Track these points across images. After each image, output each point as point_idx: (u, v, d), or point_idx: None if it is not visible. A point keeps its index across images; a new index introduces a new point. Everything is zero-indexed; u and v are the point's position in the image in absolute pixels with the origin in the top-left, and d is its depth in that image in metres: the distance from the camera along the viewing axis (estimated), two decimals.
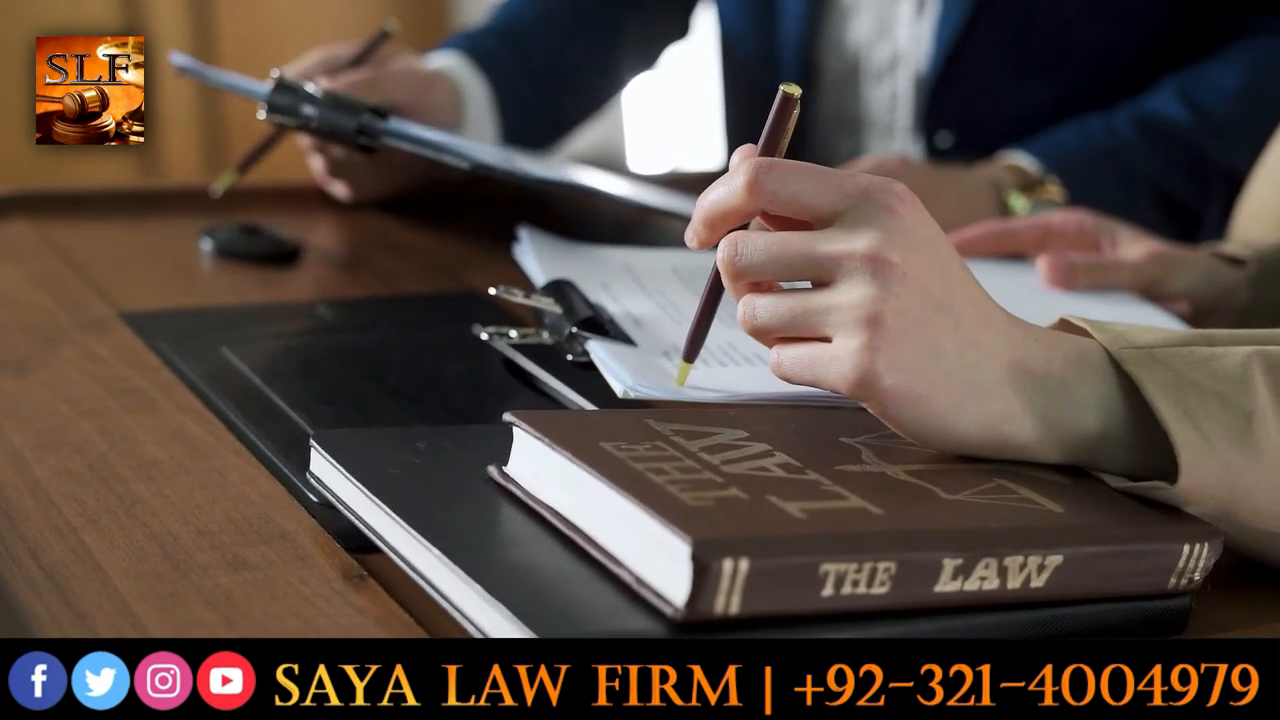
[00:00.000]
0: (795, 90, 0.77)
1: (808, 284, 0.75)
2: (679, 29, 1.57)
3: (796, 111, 0.77)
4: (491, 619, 0.63)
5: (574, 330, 0.90)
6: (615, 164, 2.21)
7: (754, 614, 0.63)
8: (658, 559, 0.63)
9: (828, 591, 0.64)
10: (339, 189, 1.31)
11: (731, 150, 0.79)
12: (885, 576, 0.65)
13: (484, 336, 0.93)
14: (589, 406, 0.87)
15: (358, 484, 0.73)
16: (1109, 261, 1.10)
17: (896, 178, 1.14)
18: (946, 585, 0.66)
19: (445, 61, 1.35)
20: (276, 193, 1.33)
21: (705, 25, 1.63)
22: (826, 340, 0.73)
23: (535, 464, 0.72)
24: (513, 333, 0.93)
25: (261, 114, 1.16)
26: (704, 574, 0.61)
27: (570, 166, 1.38)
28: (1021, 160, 1.29)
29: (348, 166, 1.28)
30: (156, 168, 2.88)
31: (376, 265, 1.21)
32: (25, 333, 1.00)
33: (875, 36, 1.47)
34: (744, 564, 0.62)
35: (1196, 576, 0.71)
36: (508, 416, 0.73)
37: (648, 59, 1.55)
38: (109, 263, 1.15)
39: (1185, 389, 0.72)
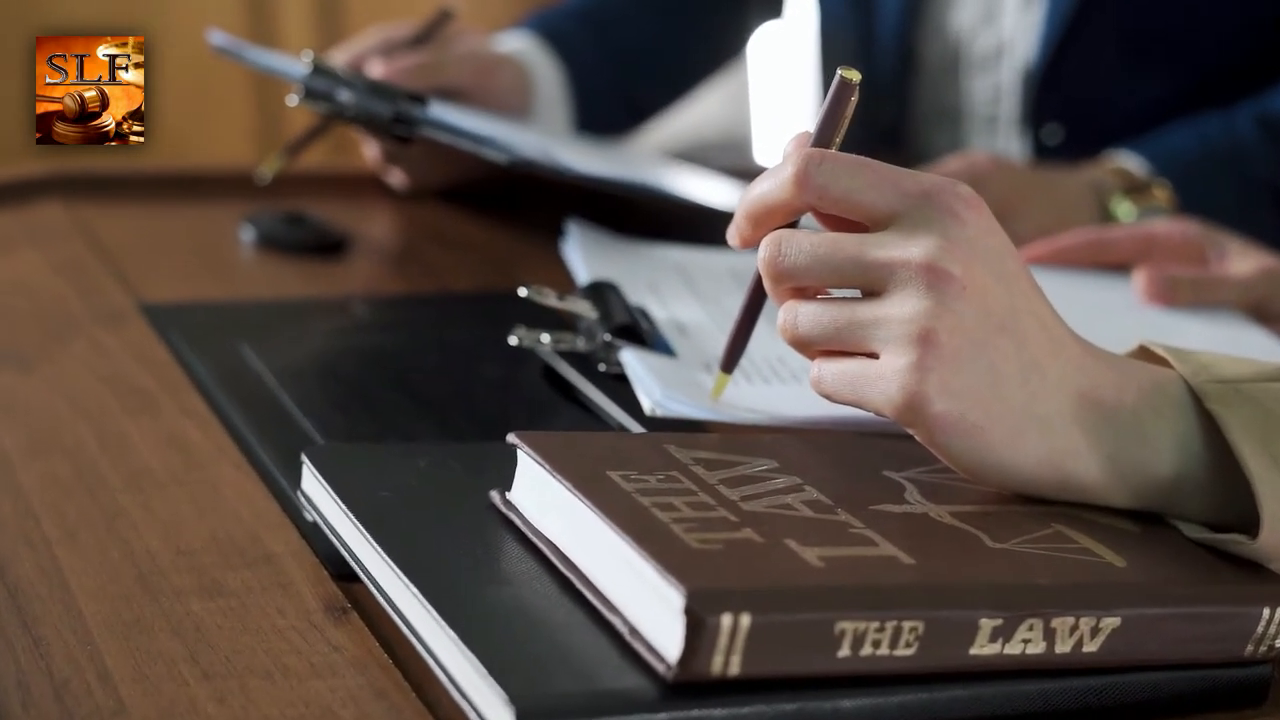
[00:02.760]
0: (854, 75, 0.70)
1: (856, 292, 0.68)
2: (770, 11, 1.49)
3: (855, 99, 0.70)
4: (463, 669, 0.57)
5: (608, 338, 0.83)
6: (742, 151, 2.13)
7: (757, 675, 0.56)
8: (653, 608, 0.57)
9: (844, 652, 0.57)
10: (395, 177, 1.25)
11: None
12: (911, 637, 0.58)
13: (513, 341, 0.86)
14: (631, 423, 0.80)
15: (343, 506, 0.66)
16: (1214, 277, 1.02)
17: (988, 179, 1.06)
18: (983, 648, 0.59)
19: (515, 43, 1.29)
20: (328, 179, 1.27)
21: (803, 7, 1.55)
22: (873, 356, 0.66)
23: (537, 492, 0.65)
24: (545, 337, 0.86)
25: (293, 99, 1.10)
26: (699, 629, 0.55)
27: (631, 160, 1.31)
28: (1129, 162, 1.20)
29: (405, 153, 1.21)
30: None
31: (425, 260, 1.15)
32: (37, 323, 0.95)
33: (979, 24, 1.39)
34: (745, 619, 0.55)
35: (1278, 644, 0.63)
36: (511, 437, 0.67)
37: (736, 43, 1.48)
38: (140, 250, 1.10)
39: (1274, 430, 0.65)
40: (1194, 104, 1.31)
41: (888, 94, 1.43)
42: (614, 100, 1.33)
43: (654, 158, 1.34)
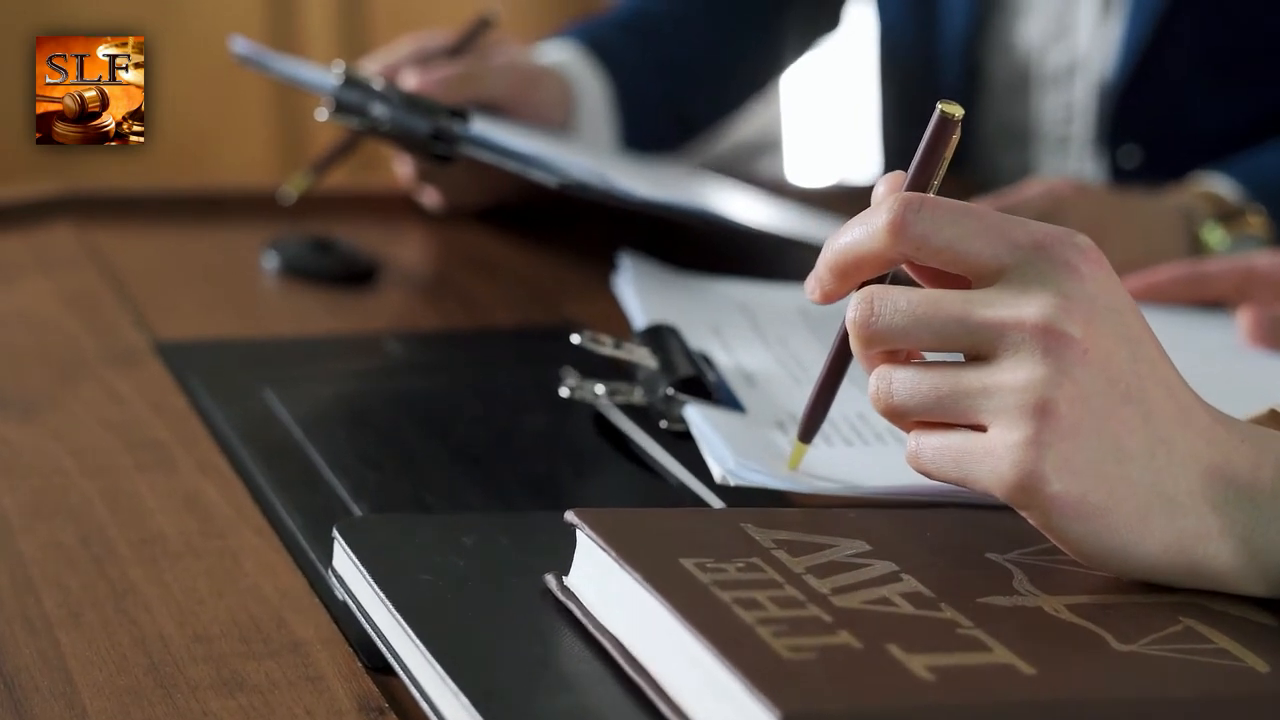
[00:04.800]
0: (957, 111, 0.62)
1: (959, 356, 0.61)
2: (829, 22, 1.42)
3: (956, 137, 0.62)
4: None
5: (670, 392, 0.76)
6: (773, 173, 2.05)
7: None
8: None
9: None
10: (429, 197, 1.17)
11: (888, 168, 0.64)
12: None
13: (565, 393, 0.78)
14: (698, 485, 0.73)
15: (379, 591, 0.59)
16: None
17: (1070, 206, 0.98)
18: None
19: (557, 55, 1.21)
20: (357, 199, 1.20)
21: (863, 18, 1.47)
22: (981, 429, 0.59)
23: (600, 579, 0.58)
24: (599, 389, 0.78)
25: (323, 114, 1.02)
26: None
27: (687, 181, 1.23)
28: (1219, 185, 1.12)
29: (440, 171, 1.14)
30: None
31: (462, 290, 1.07)
32: (43, 364, 0.88)
33: (1051, 39, 1.31)
34: None
35: None
36: (570, 516, 0.59)
37: (793, 54, 1.40)
38: (156, 279, 1.03)
39: None
40: None
41: None
42: (662, 115, 1.26)
43: (710, 179, 1.27)
